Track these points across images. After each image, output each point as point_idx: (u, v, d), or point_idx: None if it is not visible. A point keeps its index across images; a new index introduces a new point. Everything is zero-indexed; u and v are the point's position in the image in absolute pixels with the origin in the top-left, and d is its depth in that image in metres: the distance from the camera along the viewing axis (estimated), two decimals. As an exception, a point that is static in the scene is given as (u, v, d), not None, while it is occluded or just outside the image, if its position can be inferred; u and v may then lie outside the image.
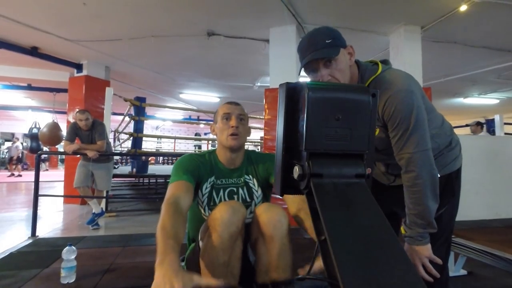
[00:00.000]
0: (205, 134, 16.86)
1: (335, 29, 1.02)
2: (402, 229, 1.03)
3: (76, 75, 5.68)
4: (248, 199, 1.20)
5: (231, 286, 0.99)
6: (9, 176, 11.27)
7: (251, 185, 1.22)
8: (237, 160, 1.23)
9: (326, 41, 0.97)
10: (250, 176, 1.23)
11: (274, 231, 1.03)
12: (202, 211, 1.18)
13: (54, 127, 5.53)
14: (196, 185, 1.15)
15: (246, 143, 1.50)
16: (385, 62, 1.09)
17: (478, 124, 5.76)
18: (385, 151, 1.06)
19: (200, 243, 1.09)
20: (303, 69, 1.04)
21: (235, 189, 1.20)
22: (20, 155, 12.42)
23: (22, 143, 12.96)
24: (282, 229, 1.04)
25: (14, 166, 11.92)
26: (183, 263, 1.21)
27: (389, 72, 1.02)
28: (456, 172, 1.11)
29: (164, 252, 0.76)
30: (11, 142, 12.71)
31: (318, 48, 0.97)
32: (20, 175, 11.40)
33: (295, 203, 1.16)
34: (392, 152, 1.01)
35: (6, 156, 12.38)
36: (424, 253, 0.97)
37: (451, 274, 2.24)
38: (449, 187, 1.08)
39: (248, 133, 1.23)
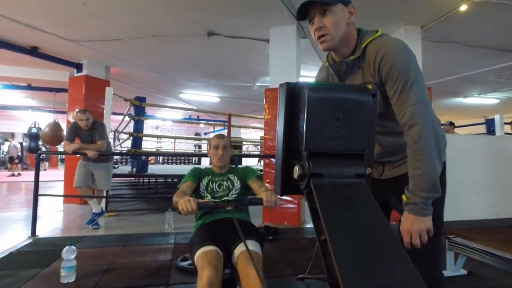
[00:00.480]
0: (205, 134, 16.85)
1: None
2: (403, 196, 0.97)
3: (76, 75, 5.68)
4: (230, 187, 1.72)
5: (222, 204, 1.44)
6: (9, 175, 11.28)
7: (232, 179, 1.74)
8: (223, 170, 1.78)
9: None
10: (232, 174, 1.77)
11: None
12: (202, 194, 1.70)
13: (56, 127, 5.54)
14: (198, 182, 1.72)
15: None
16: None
17: (451, 124, 5.75)
18: (377, 131, 1.03)
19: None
20: (303, 19, 1.03)
21: (221, 182, 1.73)
22: (20, 154, 12.41)
23: (21, 143, 12.95)
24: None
25: (14, 166, 11.93)
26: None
27: (388, 36, 1.03)
28: (444, 163, 1.08)
29: (183, 197, 1.33)
30: (9, 142, 12.69)
31: None
32: (19, 174, 11.41)
33: (258, 186, 1.67)
34: (384, 121, 1.02)
35: (6, 156, 12.35)
36: (426, 225, 0.92)
37: (451, 274, 2.24)
38: (440, 176, 1.03)
39: (230, 154, 1.79)
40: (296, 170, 0.61)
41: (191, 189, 1.63)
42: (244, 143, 13.64)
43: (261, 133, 10.35)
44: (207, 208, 1.42)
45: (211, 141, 1.82)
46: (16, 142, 12.83)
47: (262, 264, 1.40)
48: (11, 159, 12.06)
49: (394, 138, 1.07)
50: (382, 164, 1.15)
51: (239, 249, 1.39)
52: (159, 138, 16.14)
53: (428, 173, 0.91)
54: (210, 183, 1.73)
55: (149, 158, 8.86)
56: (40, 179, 3.42)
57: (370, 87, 0.92)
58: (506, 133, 9.93)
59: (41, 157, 4.64)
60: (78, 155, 3.63)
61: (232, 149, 1.86)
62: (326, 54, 1.18)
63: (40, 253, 2.62)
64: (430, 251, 1.02)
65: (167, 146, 16.23)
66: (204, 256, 1.33)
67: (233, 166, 1.89)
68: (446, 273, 2.24)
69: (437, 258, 1.06)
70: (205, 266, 1.28)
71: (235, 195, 1.69)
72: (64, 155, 6.12)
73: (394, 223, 1.08)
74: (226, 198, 1.68)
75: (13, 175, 11.39)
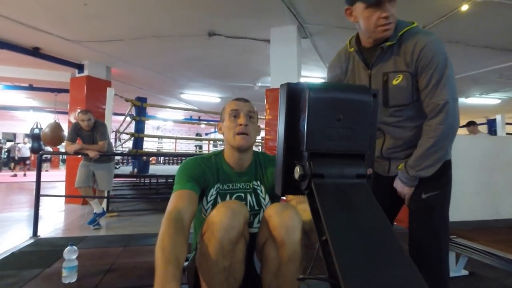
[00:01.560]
0: (206, 134, 16.87)
1: None
2: (400, 165, 1.09)
3: (77, 75, 5.69)
4: (256, 207, 1.10)
5: None
6: (12, 176, 11.32)
7: (258, 192, 1.13)
8: (245, 162, 1.13)
9: None
10: (258, 182, 1.14)
11: (286, 236, 0.92)
12: (205, 218, 1.06)
13: (56, 127, 5.54)
14: (202, 191, 1.08)
15: None
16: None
17: (473, 124, 5.74)
18: (395, 109, 1.06)
19: (197, 247, 1.03)
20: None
21: (242, 195, 1.11)
22: (28, 155, 12.43)
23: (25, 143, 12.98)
24: (295, 235, 0.92)
25: (20, 166, 11.98)
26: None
27: (423, 29, 1.07)
28: (449, 161, 1.14)
29: (163, 280, 0.70)
30: (18, 143, 12.74)
31: None
32: (25, 175, 11.44)
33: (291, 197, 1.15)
34: (404, 113, 1.05)
35: (17, 156, 12.35)
36: (408, 191, 1.08)
37: (452, 274, 2.24)
38: (447, 171, 1.12)
39: (258, 132, 1.14)
40: (297, 171, 0.61)
41: (194, 207, 0.98)
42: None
43: (262, 133, 10.33)
44: None
45: (225, 107, 1.16)
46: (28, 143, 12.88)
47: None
48: (22, 160, 12.04)
49: (408, 131, 1.10)
50: (388, 160, 1.16)
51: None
52: (160, 139, 16.16)
53: (421, 159, 1.01)
54: (220, 198, 1.10)
55: (150, 159, 8.88)
56: (42, 180, 3.43)
57: (400, 76, 1.00)
58: (507, 133, 9.91)
59: (42, 157, 4.64)
60: (80, 156, 3.64)
61: (259, 126, 1.19)
62: (348, 41, 1.19)
63: (41, 253, 2.62)
64: (436, 252, 1.05)
65: (168, 146, 16.26)
66: (219, 206, 0.95)
67: (259, 152, 1.22)
68: (448, 273, 2.23)
69: (442, 258, 1.07)
70: (220, 210, 0.92)
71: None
72: (65, 156, 6.12)
73: (395, 224, 1.09)
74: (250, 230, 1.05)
75: (15, 175, 11.42)
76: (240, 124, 1.07)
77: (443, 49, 1.00)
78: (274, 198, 1.16)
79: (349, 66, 1.16)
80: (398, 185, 1.10)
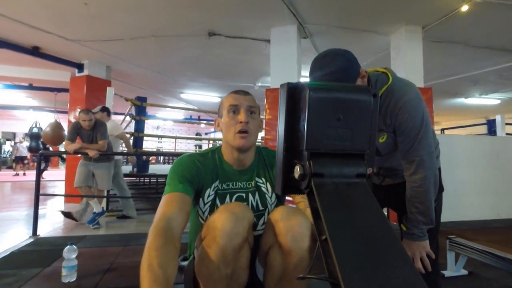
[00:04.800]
0: (206, 134, 16.87)
1: (349, 54, 0.99)
2: (402, 226, 1.11)
3: (77, 75, 5.69)
4: (261, 207, 1.00)
5: None
6: (14, 175, 11.32)
7: (263, 190, 1.02)
8: (246, 160, 1.02)
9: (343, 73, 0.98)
10: (263, 179, 1.03)
11: (294, 243, 0.85)
12: (203, 223, 0.97)
13: (57, 126, 5.54)
14: (197, 192, 0.99)
15: None
16: (389, 70, 1.15)
17: None
18: (386, 156, 1.14)
19: (195, 251, 0.95)
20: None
21: (244, 195, 1.00)
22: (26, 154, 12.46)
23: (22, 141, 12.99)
24: (303, 243, 0.85)
25: (21, 166, 11.98)
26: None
27: (400, 81, 1.09)
28: (439, 169, 1.22)
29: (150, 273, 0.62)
30: (17, 142, 12.75)
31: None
32: (24, 174, 11.44)
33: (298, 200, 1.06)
34: (392, 156, 1.11)
35: (14, 156, 12.37)
36: (425, 248, 1.07)
37: (452, 274, 2.24)
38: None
39: (260, 128, 1.02)
40: (297, 170, 0.61)
41: (186, 212, 0.89)
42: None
43: (261, 133, 10.32)
44: None
45: (223, 101, 1.04)
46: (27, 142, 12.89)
47: None
48: (20, 159, 12.05)
49: (399, 159, 1.15)
50: (384, 176, 1.25)
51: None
52: (160, 138, 16.17)
53: (427, 213, 1.05)
54: (218, 199, 1.00)
55: (150, 158, 8.87)
56: (41, 179, 3.43)
57: (385, 135, 1.07)
58: (507, 134, 9.92)
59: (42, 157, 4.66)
60: (79, 155, 3.64)
61: (261, 121, 1.07)
62: None
63: (41, 253, 2.62)
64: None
65: (168, 146, 16.26)
66: (218, 210, 0.88)
67: (262, 147, 1.12)
68: (447, 273, 2.23)
69: (434, 259, 1.12)
70: (222, 214, 0.83)
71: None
72: (65, 155, 6.13)
73: (394, 223, 1.12)
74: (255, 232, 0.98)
75: (17, 175, 11.42)
76: (241, 122, 0.95)
77: (418, 105, 1.03)
78: (281, 197, 1.07)
79: None
80: (410, 245, 1.07)
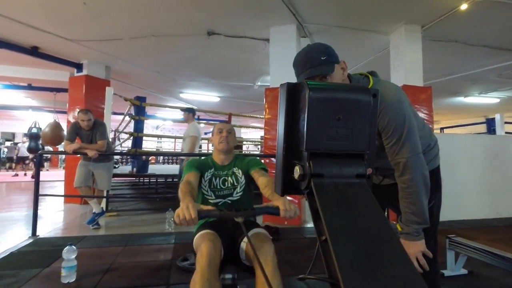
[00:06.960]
0: (205, 133, 16.84)
1: (329, 46, 1.08)
2: (398, 226, 1.11)
3: (76, 74, 5.69)
4: (235, 183, 1.64)
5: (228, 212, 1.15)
6: (14, 176, 11.31)
7: (236, 173, 1.65)
8: (226, 160, 1.69)
9: (322, 58, 1.04)
10: (236, 167, 1.67)
11: (266, 262, 1.26)
12: (204, 192, 1.61)
13: (56, 126, 5.54)
14: (201, 174, 1.61)
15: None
16: (374, 74, 1.16)
17: None
18: (376, 156, 1.15)
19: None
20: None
21: (226, 177, 1.64)
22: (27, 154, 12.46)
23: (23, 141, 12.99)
24: (272, 260, 1.27)
25: (20, 166, 11.96)
26: None
27: (379, 85, 1.10)
28: (437, 168, 1.24)
29: (184, 199, 1.19)
30: (17, 143, 12.74)
31: (315, 65, 1.03)
32: (25, 174, 11.43)
33: (264, 183, 1.50)
34: (381, 156, 1.11)
35: (16, 156, 12.35)
36: (420, 248, 1.07)
37: (451, 273, 2.24)
38: (434, 182, 1.16)
39: (234, 142, 1.70)
40: (297, 170, 0.61)
41: (197, 180, 1.53)
42: (244, 143, 13.65)
43: (261, 133, 10.34)
44: (210, 217, 1.22)
45: (214, 127, 1.77)
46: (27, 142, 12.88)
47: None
48: (21, 160, 12.02)
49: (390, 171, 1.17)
50: (382, 176, 1.26)
51: (250, 233, 1.39)
52: (159, 138, 16.15)
53: (419, 213, 1.05)
54: (214, 179, 1.63)
55: (150, 158, 8.87)
56: (40, 179, 3.43)
57: None
58: (506, 133, 9.93)
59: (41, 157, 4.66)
60: (79, 155, 3.63)
61: (236, 139, 1.77)
62: None
63: (40, 253, 2.62)
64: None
65: (167, 146, 16.25)
66: (201, 236, 1.35)
67: (238, 153, 1.76)
68: (447, 272, 2.24)
69: (432, 257, 1.11)
70: (203, 242, 1.28)
71: (240, 193, 1.60)
72: (64, 155, 6.12)
73: (394, 223, 1.12)
74: (230, 198, 1.60)
75: (16, 175, 11.41)
76: (223, 136, 1.65)
77: (399, 108, 1.04)
78: (247, 179, 1.64)
79: None
80: (406, 245, 1.08)
